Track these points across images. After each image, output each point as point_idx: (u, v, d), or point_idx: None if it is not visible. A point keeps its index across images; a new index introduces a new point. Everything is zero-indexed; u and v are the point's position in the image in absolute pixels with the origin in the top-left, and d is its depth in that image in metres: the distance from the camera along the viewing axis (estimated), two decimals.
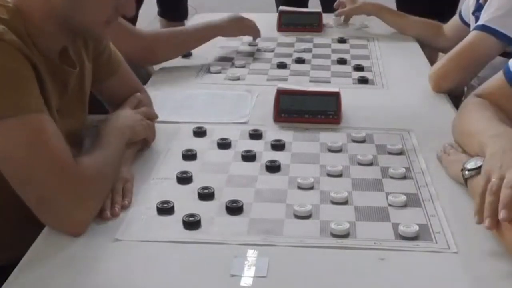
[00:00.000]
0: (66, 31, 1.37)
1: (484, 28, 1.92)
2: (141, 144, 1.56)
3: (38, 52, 1.31)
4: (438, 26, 2.46)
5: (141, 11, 2.84)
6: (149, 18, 4.10)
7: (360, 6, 2.62)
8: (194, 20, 2.90)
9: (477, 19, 2.03)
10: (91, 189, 1.26)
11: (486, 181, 1.18)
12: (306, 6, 3.54)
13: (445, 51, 2.46)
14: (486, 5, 1.97)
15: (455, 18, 2.36)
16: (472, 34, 1.96)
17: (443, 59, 2.00)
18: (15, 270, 1.13)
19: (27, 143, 1.21)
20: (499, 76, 1.51)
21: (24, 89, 1.23)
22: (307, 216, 1.28)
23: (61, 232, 1.23)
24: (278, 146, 1.58)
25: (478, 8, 2.06)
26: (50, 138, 1.23)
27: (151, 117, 1.63)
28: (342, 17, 2.69)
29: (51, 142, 1.23)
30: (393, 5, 2.75)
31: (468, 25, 2.24)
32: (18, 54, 1.24)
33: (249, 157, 1.52)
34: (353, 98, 1.85)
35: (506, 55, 1.97)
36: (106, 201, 1.30)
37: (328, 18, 2.67)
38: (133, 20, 3.50)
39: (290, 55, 2.30)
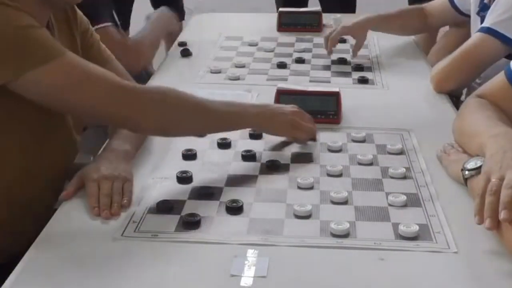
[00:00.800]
0: (44, 3, 1.39)
1: (489, 30, 1.91)
2: None
3: None
4: (420, 11, 2.39)
5: (135, 12, 2.85)
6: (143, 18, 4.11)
7: (356, 33, 2.36)
8: (195, 21, 2.89)
9: (482, 19, 2.01)
10: (151, 101, 1.38)
11: (486, 182, 1.18)
12: (306, 6, 3.54)
13: (429, 31, 2.45)
14: (492, 7, 1.96)
15: (444, 0, 2.31)
16: (476, 36, 1.95)
17: (445, 59, 1.99)
18: (16, 268, 1.13)
19: (75, 80, 1.32)
20: (500, 77, 1.51)
21: (51, 38, 1.34)
22: (307, 216, 1.28)
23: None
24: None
25: (483, 8, 2.04)
26: (91, 68, 1.36)
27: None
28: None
29: (94, 70, 1.36)
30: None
31: (461, 12, 2.23)
32: (26, 15, 1.31)
33: (249, 157, 1.52)
34: (353, 98, 1.85)
35: (510, 57, 1.96)
36: (106, 200, 1.30)
37: (328, 18, 2.67)
38: (126, 20, 3.51)
39: (290, 55, 2.30)
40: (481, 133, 1.35)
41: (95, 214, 1.28)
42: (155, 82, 2.06)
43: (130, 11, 3.18)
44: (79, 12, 1.58)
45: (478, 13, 2.09)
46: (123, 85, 1.38)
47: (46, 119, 1.42)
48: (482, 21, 2.00)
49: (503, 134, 1.31)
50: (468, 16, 2.18)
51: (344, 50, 2.37)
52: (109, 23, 2.18)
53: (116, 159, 1.42)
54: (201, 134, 1.55)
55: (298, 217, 1.28)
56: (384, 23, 2.42)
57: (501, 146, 1.25)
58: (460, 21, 2.33)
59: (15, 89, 1.30)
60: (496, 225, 1.14)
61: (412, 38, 2.51)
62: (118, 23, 2.37)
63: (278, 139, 1.62)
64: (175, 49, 2.37)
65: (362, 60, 2.24)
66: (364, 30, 2.34)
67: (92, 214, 1.29)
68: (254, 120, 1.54)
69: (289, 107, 1.59)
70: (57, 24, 1.48)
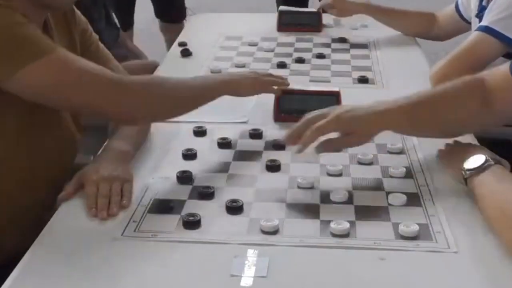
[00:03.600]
0: (37, 4, 1.39)
1: (487, 29, 1.91)
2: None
3: None
4: (431, 16, 2.44)
5: (138, 15, 2.85)
6: (147, 20, 4.11)
7: (347, 7, 2.55)
8: (195, 21, 2.89)
9: (480, 20, 2.02)
10: (138, 89, 1.41)
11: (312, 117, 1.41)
12: (306, 6, 3.54)
13: (438, 40, 2.46)
14: (490, 6, 1.97)
15: (451, 7, 2.33)
16: (475, 35, 1.95)
17: (444, 59, 2.00)
18: (16, 268, 1.13)
19: (66, 76, 1.33)
20: (505, 67, 1.46)
21: (40, 35, 1.34)
22: (307, 216, 1.28)
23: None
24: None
25: (481, 10, 2.05)
26: (82, 63, 1.36)
27: None
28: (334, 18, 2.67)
29: (85, 66, 1.36)
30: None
31: (465, 20, 2.24)
32: (20, 15, 1.32)
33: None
34: (353, 98, 1.84)
35: (508, 56, 1.96)
36: (103, 201, 1.30)
37: (328, 18, 2.67)
38: (129, 23, 3.49)
39: (290, 55, 2.30)
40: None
41: (93, 215, 1.28)
42: None
43: (133, 18, 3.20)
44: (78, 12, 1.58)
45: (477, 15, 2.10)
46: (113, 80, 1.39)
47: (42, 119, 1.42)
48: (480, 23, 2.01)
49: (388, 99, 1.43)
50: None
51: (344, 50, 2.37)
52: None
53: (116, 159, 1.42)
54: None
55: (298, 216, 1.28)
56: (386, 16, 2.48)
57: (367, 103, 1.42)
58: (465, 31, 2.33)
59: (7, 88, 1.30)
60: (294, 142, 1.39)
61: (412, 37, 2.51)
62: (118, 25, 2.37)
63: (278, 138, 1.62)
64: (175, 49, 2.37)
65: (362, 60, 2.24)
66: (357, 7, 2.48)
67: (90, 215, 1.29)
68: (224, 86, 1.60)
69: (246, 72, 1.76)
70: (55, 25, 1.48)
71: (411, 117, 1.41)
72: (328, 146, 1.41)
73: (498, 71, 1.44)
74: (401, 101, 1.42)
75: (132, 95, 1.41)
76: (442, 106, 1.44)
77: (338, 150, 1.46)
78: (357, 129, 1.40)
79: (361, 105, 1.42)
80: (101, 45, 1.66)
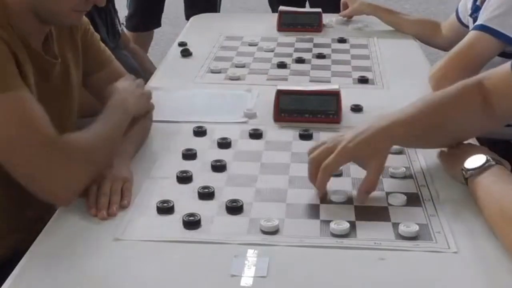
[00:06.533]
0: (41, 20, 1.39)
1: (482, 28, 1.93)
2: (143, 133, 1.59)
3: (20, 40, 1.34)
4: (435, 25, 2.49)
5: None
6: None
7: (358, 7, 2.64)
8: (195, 21, 2.89)
9: (474, 20, 2.04)
10: (76, 158, 1.30)
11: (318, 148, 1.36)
12: (304, 7, 3.54)
13: (442, 49, 2.48)
14: (485, 4, 1.99)
15: (453, 16, 2.37)
16: (471, 34, 1.97)
17: (442, 59, 2.01)
18: (16, 268, 1.13)
19: (6, 120, 1.25)
20: (505, 67, 1.47)
21: (7, 70, 1.27)
22: (306, 216, 1.28)
23: (53, 202, 1.33)
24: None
25: (475, 10, 2.07)
26: (30, 114, 1.27)
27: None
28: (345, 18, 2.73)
29: (31, 118, 1.27)
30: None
31: (465, 25, 2.25)
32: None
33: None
34: (353, 98, 1.85)
35: (505, 55, 1.97)
36: (104, 201, 1.30)
37: (328, 18, 2.67)
38: (155, 23, 3.58)
39: (290, 55, 2.29)
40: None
41: (93, 214, 1.28)
42: (155, 82, 2.06)
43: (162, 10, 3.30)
44: None
45: (471, 15, 2.12)
46: (51, 141, 1.28)
47: None
48: (474, 22, 2.02)
49: (389, 113, 1.40)
50: None
51: (344, 50, 2.37)
52: None
53: (116, 159, 1.42)
54: None
55: (298, 216, 1.28)
56: (395, 20, 2.58)
57: (369, 122, 1.37)
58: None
59: None
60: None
61: (412, 37, 2.51)
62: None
63: (278, 138, 1.62)
64: (175, 49, 2.37)
65: (362, 60, 2.24)
66: (367, 8, 2.58)
67: (90, 214, 1.29)
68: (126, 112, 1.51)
69: (129, 87, 1.59)
70: (57, 28, 1.48)
71: (415, 128, 1.38)
72: (365, 193, 1.33)
73: (496, 71, 1.44)
74: (401, 115, 1.38)
75: (67, 162, 1.29)
76: (445, 114, 1.40)
77: (373, 188, 1.34)
78: (367, 154, 1.33)
79: (363, 125, 1.37)
80: (102, 45, 1.66)
